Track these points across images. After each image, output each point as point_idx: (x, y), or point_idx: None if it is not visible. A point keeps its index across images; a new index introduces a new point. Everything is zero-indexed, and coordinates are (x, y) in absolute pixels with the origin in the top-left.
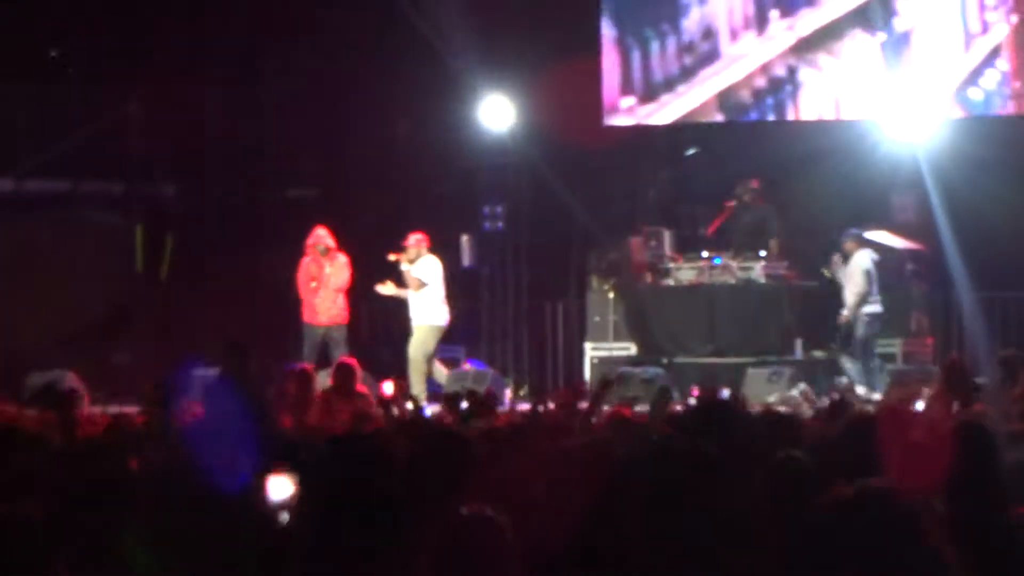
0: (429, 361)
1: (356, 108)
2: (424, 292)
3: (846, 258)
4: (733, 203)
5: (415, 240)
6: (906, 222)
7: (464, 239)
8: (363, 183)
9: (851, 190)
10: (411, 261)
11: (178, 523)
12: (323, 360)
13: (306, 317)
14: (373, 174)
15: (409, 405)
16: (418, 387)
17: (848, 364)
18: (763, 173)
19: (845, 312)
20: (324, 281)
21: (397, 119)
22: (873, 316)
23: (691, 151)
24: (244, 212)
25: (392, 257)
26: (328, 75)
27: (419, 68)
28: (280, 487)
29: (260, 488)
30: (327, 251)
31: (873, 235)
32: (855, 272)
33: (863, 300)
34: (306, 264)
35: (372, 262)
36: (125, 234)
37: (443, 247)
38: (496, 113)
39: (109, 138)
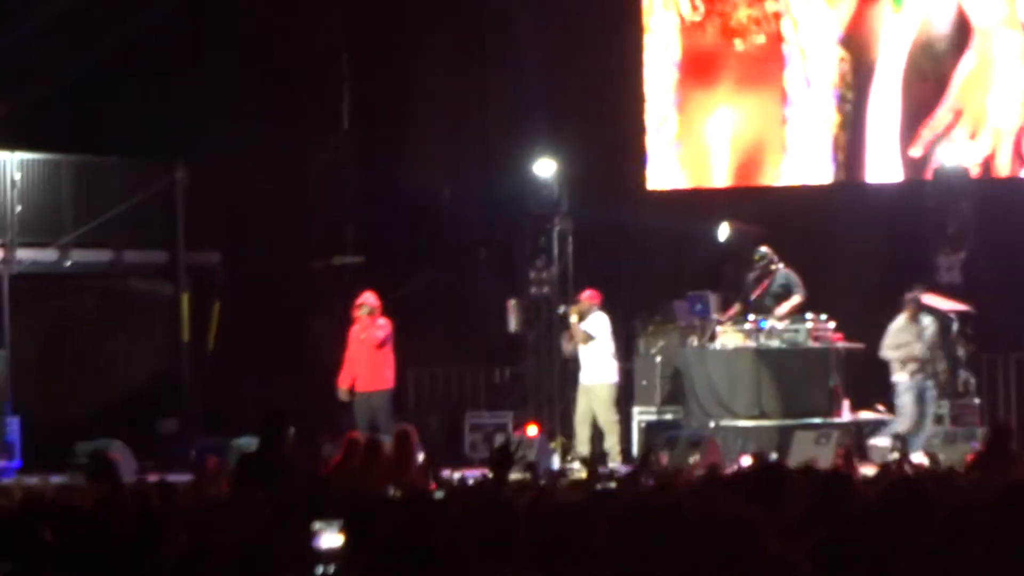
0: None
1: (400, 175)
2: (594, 349)
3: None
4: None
5: (588, 295)
6: (951, 283)
7: (510, 304)
8: (407, 250)
9: (895, 250)
10: (582, 315)
11: None
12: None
13: (357, 386)
14: (417, 241)
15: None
16: (613, 444)
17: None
18: (809, 234)
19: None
20: (365, 343)
21: (441, 185)
22: None
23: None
24: (290, 280)
25: (561, 308)
26: (371, 142)
27: (463, 134)
28: (329, 540)
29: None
30: (372, 312)
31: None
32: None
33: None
34: (355, 331)
35: (422, 327)
36: (171, 303)
37: (488, 312)
38: (541, 176)
39: (155, 207)
